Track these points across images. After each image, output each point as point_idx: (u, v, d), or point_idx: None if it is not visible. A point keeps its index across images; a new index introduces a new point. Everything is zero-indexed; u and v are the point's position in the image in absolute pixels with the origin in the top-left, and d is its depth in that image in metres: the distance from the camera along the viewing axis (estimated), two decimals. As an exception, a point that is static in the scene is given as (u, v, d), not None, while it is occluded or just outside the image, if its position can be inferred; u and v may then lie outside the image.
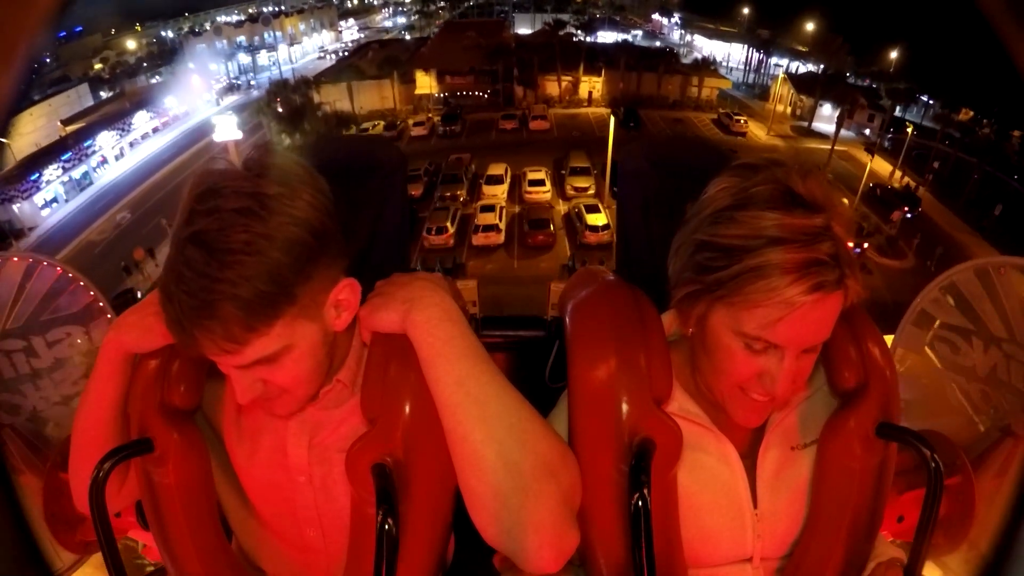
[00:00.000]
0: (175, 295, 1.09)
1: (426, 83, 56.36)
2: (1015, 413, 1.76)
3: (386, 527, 1.14)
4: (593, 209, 35.62)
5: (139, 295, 27.77)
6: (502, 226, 35.31)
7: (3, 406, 2.02)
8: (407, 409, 1.25)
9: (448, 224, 34.64)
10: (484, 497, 1.22)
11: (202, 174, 1.15)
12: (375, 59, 58.91)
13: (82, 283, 2.10)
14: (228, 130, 36.33)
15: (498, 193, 38.58)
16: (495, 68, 55.79)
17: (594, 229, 33.51)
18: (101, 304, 2.13)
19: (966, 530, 1.67)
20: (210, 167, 1.17)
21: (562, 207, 38.04)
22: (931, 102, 46.68)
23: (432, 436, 1.25)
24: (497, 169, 41.13)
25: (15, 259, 2.03)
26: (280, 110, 43.89)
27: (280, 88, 47.50)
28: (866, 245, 32.76)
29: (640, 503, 1.16)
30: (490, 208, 36.68)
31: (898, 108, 47.61)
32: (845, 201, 1.21)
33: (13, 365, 2.05)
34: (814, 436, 1.37)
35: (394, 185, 1.82)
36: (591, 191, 38.22)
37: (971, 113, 44.03)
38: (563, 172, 41.62)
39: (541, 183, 39.68)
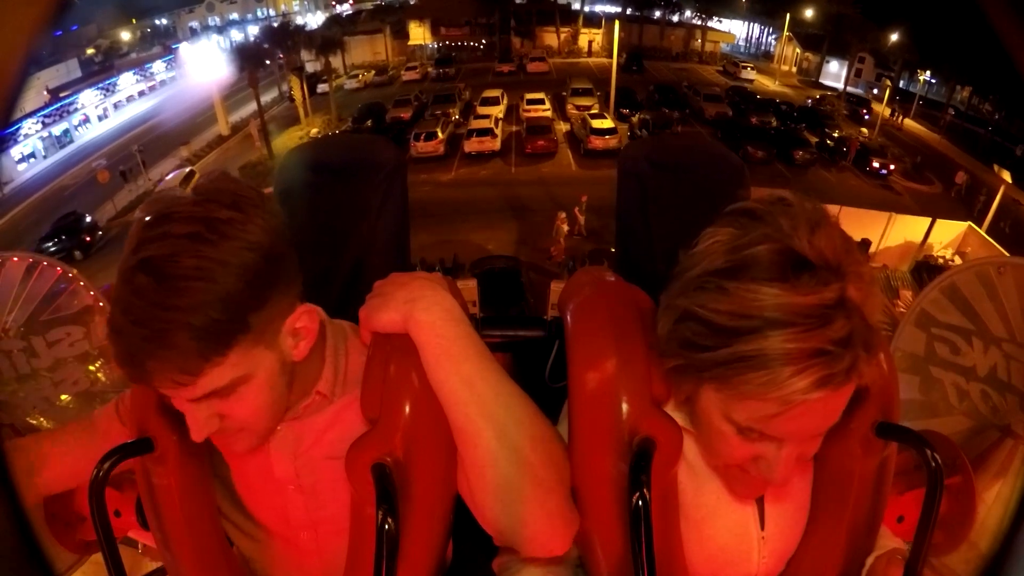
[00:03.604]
0: (124, 327, 1.05)
1: (419, 34, 56.65)
2: (1015, 413, 1.76)
3: (386, 527, 1.14)
4: (598, 116, 34.88)
5: (87, 218, 27.78)
6: (498, 131, 34.12)
7: (3, 406, 2.02)
8: (407, 409, 1.25)
9: (438, 130, 33.59)
10: (498, 491, 1.24)
11: (151, 201, 1.12)
12: (367, 18, 59.04)
13: (82, 283, 2.10)
14: (212, 70, 36.21)
15: (494, 112, 37.11)
16: (491, 21, 55.61)
17: (599, 133, 32.80)
18: (101, 304, 2.13)
19: (966, 530, 1.67)
20: (159, 195, 1.13)
21: (563, 126, 37.15)
22: (933, 80, 46.65)
23: (432, 436, 1.26)
24: (493, 92, 39.99)
25: (15, 259, 2.03)
26: (265, 45, 43.69)
27: (264, 31, 47.43)
28: (892, 167, 33.14)
29: (640, 503, 1.16)
30: (485, 116, 35.48)
31: (901, 82, 47.59)
32: (865, 259, 1.04)
33: (13, 365, 2.05)
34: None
35: (394, 185, 1.82)
36: (595, 111, 37.15)
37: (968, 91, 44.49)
38: (564, 94, 40.94)
39: (540, 102, 38.63)
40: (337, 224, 1.81)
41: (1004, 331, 1.78)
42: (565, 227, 22.02)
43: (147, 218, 1.09)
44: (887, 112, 41.99)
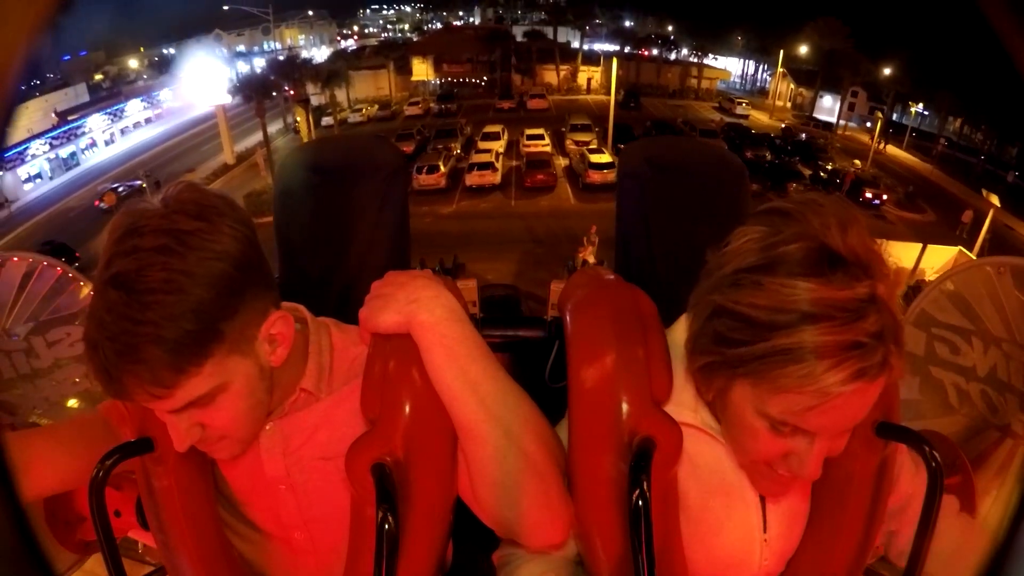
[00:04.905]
0: (99, 342, 1.06)
1: (422, 70, 57.92)
2: (1015, 413, 1.75)
3: (386, 527, 1.13)
4: (596, 151, 35.47)
5: (67, 248, 27.61)
6: (499, 165, 34.70)
7: (3, 406, 2.01)
8: (407, 409, 1.24)
9: (440, 164, 34.12)
10: (502, 486, 1.26)
11: (121, 216, 1.13)
12: (371, 53, 60.62)
13: (82, 283, 2.10)
14: (215, 91, 36.61)
15: (494, 147, 37.72)
16: (493, 58, 57.06)
17: (598, 167, 33.18)
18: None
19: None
20: (129, 208, 1.14)
21: (562, 161, 37.77)
22: (925, 112, 47.50)
23: (432, 436, 1.26)
24: (494, 128, 40.81)
25: (15, 259, 2.02)
26: (272, 77, 44.33)
27: (271, 63, 48.34)
28: (885, 197, 33.43)
29: (640, 502, 1.15)
30: (486, 151, 36.24)
31: (894, 115, 48.39)
32: (891, 259, 1.06)
33: (13, 365, 2.05)
34: None
35: (394, 185, 1.83)
36: (593, 146, 37.70)
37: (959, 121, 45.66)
38: (563, 130, 41.63)
39: (540, 137, 39.31)
40: (337, 225, 1.82)
41: (1004, 331, 1.77)
42: (592, 258, 21.98)
43: (118, 234, 1.10)
44: (869, 139, 43.28)
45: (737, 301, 1.04)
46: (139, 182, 35.16)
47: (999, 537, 0.84)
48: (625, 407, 1.25)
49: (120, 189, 36.14)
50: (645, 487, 1.16)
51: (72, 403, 2.09)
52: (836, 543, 1.33)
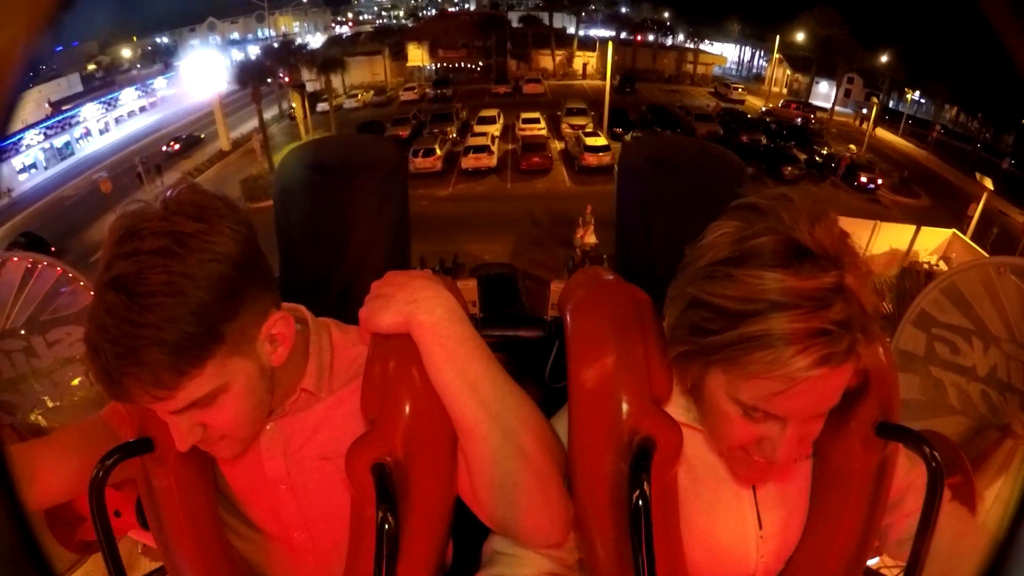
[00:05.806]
0: (100, 345, 1.05)
1: (418, 56, 57.88)
2: (1015, 413, 1.76)
3: (386, 527, 1.13)
4: (592, 134, 35.67)
5: (43, 242, 27.41)
6: (494, 148, 34.92)
7: (3, 406, 2.00)
8: (407, 409, 1.24)
9: (436, 147, 34.34)
10: (501, 487, 1.26)
11: (121, 217, 1.12)
12: (366, 40, 60.51)
13: (82, 283, 2.09)
14: (212, 80, 36.90)
15: (490, 131, 37.89)
16: (488, 43, 56.96)
17: (593, 150, 33.44)
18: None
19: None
20: (128, 210, 1.14)
21: (558, 145, 37.86)
22: (922, 100, 47.51)
23: (432, 436, 1.26)
24: (489, 112, 40.93)
25: (15, 259, 2.02)
26: (268, 62, 44.32)
27: (266, 49, 48.16)
28: (880, 181, 33.63)
29: (640, 502, 1.15)
30: (482, 135, 36.42)
31: (890, 102, 48.43)
32: (860, 249, 1.09)
33: (13, 365, 2.04)
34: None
35: (394, 184, 1.82)
36: (589, 129, 37.76)
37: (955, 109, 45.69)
38: (559, 114, 41.69)
39: (536, 121, 39.39)
40: (337, 224, 1.81)
41: (1004, 331, 1.78)
42: (593, 238, 21.88)
43: (117, 235, 1.10)
44: (855, 123, 44.09)
45: (711, 292, 1.08)
46: (199, 134, 38.07)
47: (999, 537, 0.84)
48: (625, 407, 1.25)
49: (183, 137, 41.39)
50: (645, 487, 1.16)
51: (72, 401, 2.08)
52: (835, 542, 1.33)
